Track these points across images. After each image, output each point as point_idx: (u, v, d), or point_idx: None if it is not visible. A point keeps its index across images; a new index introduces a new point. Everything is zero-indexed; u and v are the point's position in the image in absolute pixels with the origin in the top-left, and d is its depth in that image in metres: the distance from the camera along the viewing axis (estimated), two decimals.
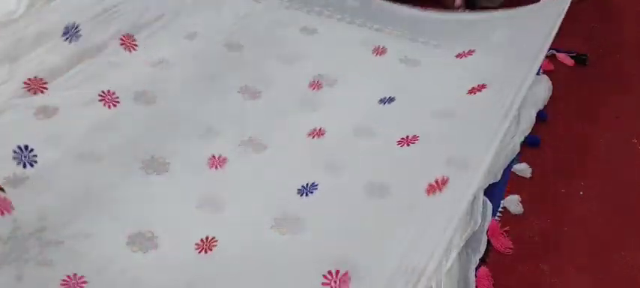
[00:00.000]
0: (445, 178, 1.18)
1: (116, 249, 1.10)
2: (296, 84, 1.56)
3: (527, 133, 1.43)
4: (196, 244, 1.12)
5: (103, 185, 1.23)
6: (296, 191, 1.24)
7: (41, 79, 1.52)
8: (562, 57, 1.74)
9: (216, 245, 1.12)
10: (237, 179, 1.26)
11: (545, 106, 1.54)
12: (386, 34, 1.74)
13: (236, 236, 1.14)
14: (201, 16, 1.83)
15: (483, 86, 1.57)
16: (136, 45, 1.67)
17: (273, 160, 1.33)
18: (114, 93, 1.48)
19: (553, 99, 1.58)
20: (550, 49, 1.76)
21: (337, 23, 1.83)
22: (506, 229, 1.19)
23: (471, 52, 1.62)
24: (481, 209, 1.22)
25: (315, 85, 1.55)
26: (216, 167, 1.30)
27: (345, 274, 1.05)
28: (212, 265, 1.09)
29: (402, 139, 1.38)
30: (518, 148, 1.39)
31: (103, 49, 1.65)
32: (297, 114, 1.46)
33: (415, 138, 1.39)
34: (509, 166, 1.35)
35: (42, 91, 1.47)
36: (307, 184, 1.26)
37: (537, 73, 1.66)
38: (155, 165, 1.29)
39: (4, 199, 0.96)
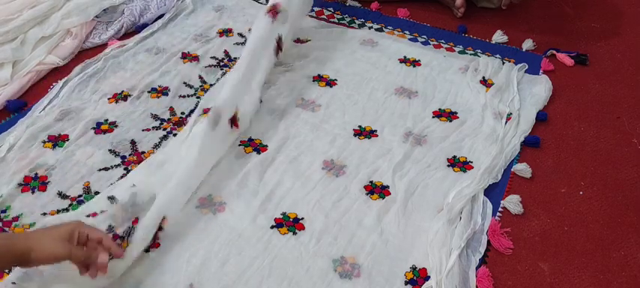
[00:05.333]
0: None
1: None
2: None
3: (527, 133, 1.43)
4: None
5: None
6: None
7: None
8: (562, 57, 1.74)
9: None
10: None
11: (545, 106, 1.54)
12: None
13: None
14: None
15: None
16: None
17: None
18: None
19: (553, 99, 1.58)
20: (550, 49, 1.77)
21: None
22: (506, 229, 1.19)
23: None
24: (481, 209, 1.23)
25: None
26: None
27: None
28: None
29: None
30: (518, 148, 1.39)
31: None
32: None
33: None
34: (509, 166, 1.35)
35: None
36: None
37: (537, 73, 1.67)
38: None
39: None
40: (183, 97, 1.50)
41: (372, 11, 1.95)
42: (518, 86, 1.58)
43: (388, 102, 1.52)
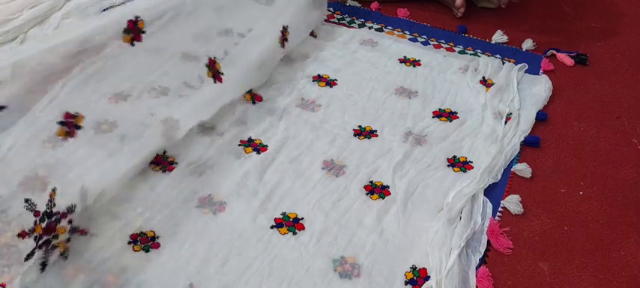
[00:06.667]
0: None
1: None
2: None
3: (527, 133, 1.43)
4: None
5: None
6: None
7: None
8: (562, 57, 1.74)
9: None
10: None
11: (545, 106, 1.54)
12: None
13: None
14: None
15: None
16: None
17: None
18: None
19: (553, 99, 1.58)
20: (550, 49, 1.77)
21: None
22: (506, 229, 1.20)
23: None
24: (481, 209, 1.23)
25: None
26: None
27: None
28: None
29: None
30: (518, 148, 1.39)
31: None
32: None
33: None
34: (509, 166, 1.35)
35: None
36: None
37: (537, 73, 1.67)
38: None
39: None
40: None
41: (372, 11, 1.95)
42: (518, 86, 1.58)
43: (388, 102, 1.52)
